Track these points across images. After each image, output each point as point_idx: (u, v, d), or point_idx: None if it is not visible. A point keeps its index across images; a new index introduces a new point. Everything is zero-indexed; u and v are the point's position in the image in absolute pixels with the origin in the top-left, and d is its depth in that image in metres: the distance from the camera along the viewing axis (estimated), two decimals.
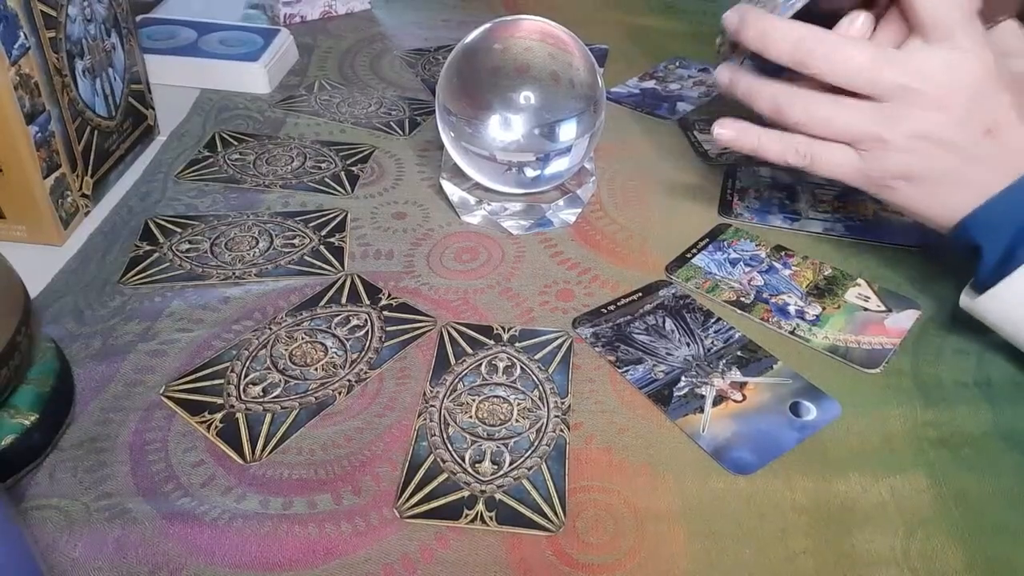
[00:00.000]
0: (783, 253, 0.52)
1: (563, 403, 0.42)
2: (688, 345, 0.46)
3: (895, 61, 0.41)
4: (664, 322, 0.47)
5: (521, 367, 0.44)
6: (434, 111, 0.54)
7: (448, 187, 0.56)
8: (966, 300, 0.44)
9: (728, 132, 0.48)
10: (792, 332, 0.46)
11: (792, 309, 0.48)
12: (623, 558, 0.35)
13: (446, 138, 0.53)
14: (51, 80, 0.49)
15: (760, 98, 0.45)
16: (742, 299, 0.49)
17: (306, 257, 0.51)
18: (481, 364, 0.44)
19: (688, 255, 0.52)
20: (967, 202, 0.42)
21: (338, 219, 0.55)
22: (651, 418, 0.42)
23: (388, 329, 0.46)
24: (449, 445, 0.40)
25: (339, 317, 0.47)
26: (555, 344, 0.45)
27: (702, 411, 0.42)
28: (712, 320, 0.47)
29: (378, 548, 0.35)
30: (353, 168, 0.60)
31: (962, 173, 0.42)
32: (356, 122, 0.66)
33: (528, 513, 0.37)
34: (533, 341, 0.46)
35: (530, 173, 0.52)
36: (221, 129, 0.64)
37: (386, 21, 0.85)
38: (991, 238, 0.42)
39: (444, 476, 0.38)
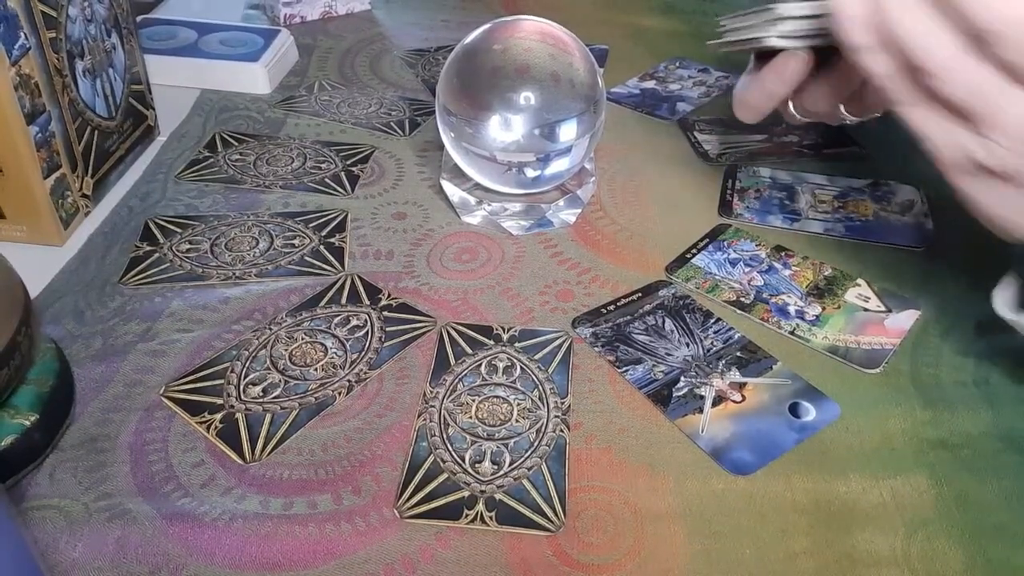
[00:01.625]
0: (783, 253, 0.52)
1: (563, 403, 0.42)
2: (688, 345, 0.46)
3: None
4: (664, 322, 0.47)
5: (521, 367, 0.44)
6: (434, 111, 0.54)
7: (448, 187, 0.56)
8: (1011, 314, 0.40)
9: (855, 6, 0.36)
10: (792, 332, 0.46)
11: (792, 309, 0.48)
12: (623, 558, 0.35)
13: (446, 138, 0.53)
14: (51, 80, 0.49)
15: (901, 16, 0.35)
16: (742, 299, 0.49)
17: (306, 257, 0.51)
18: (481, 364, 0.44)
19: (688, 255, 0.52)
20: None
21: (338, 219, 0.55)
22: (651, 418, 0.42)
23: (388, 329, 0.46)
24: (449, 445, 0.40)
25: (339, 317, 0.47)
26: (555, 344, 0.45)
27: (701, 411, 0.42)
28: (712, 320, 0.47)
29: (378, 548, 0.35)
30: (353, 168, 0.60)
31: None
32: (356, 122, 0.66)
33: (528, 513, 0.37)
34: (533, 341, 0.46)
35: (530, 173, 0.52)
36: (221, 129, 0.65)
37: (386, 21, 0.85)
38: None
39: (444, 476, 0.38)
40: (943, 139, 0.36)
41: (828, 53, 0.43)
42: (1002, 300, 0.42)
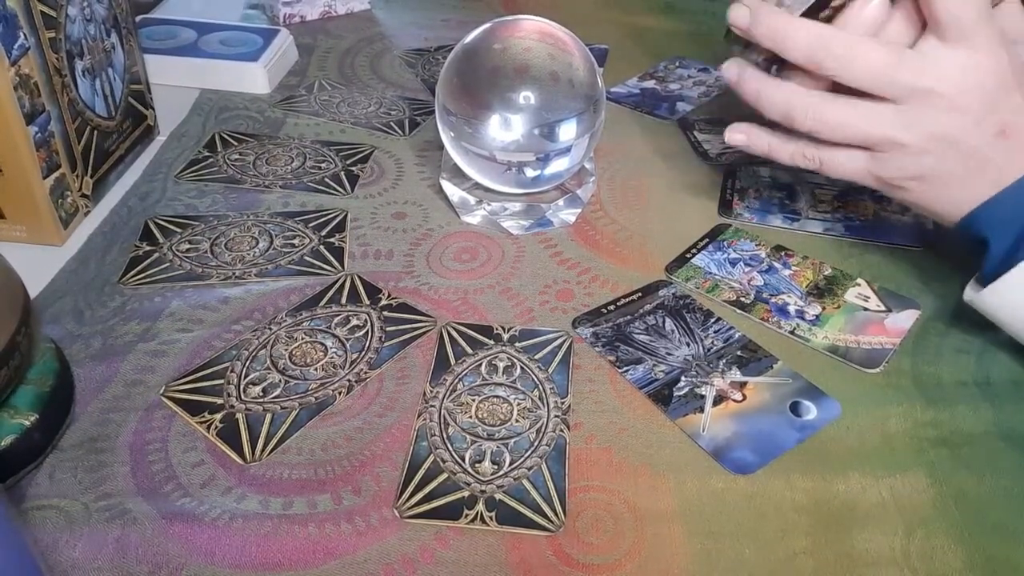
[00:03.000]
0: (783, 253, 0.52)
1: (563, 403, 0.42)
2: (688, 345, 0.46)
3: (912, 63, 0.41)
4: (664, 322, 0.47)
5: (521, 367, 0.44)
6: (434, 111, 0.54)
7: (448, 187, 0.56)
8: (970, 294, 0.44)
9: (740, 136, 0.48)
10: (792, 332, 0.46)
11: (792, 309, 0.48)
12: (623, 558, 0.35)
13: (446, 138, 0.53)
14: (51, 80, 0.49)
15: (769, 104, 0.45)
16: (742, 299, 0.49)
17: (306, 257, 0.51)
18: (481, 364, 0.44)
19: (688, 255, 0.52)
20: (976, 198, 0.42)
21: (338, 219, 0.55)
22: (651, 418, 0.42)
23: (388, 329, 0.46)
24: (449, 445, 0.40)
25: (339, 317, 0.47)
26: (555, 344, 0.45)
27: (702, 411, 0.42)
28: (712, 320, 0.47)
29: (378, 548, 0.35)
30: (353, 168, 0.60)
31: (973, 172, 0.42)
32: (356, 122, 0.66)
33: (528, 513, 0.37)
34: (533, 341, 0.46)
35: (530, 173, 0.52)
36: (221, 129, 0.64)
37: (386, 21, 0.85)
38: (999, 231, 0.42)
39: (444, 476, 0.38)
40: (857, 172, 0.44)
41: None
42: (969, 286, 0.45)
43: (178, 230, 0.53)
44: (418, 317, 0.47)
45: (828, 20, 0.43)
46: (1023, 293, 0.41)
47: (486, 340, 0.46)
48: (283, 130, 0.65)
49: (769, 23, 0.43)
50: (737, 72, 0.46)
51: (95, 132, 0.55)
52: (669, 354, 0.45)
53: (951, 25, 0.40)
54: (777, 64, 0.45)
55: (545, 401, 0.42)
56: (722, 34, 0.48)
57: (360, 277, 0.50)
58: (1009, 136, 0.41)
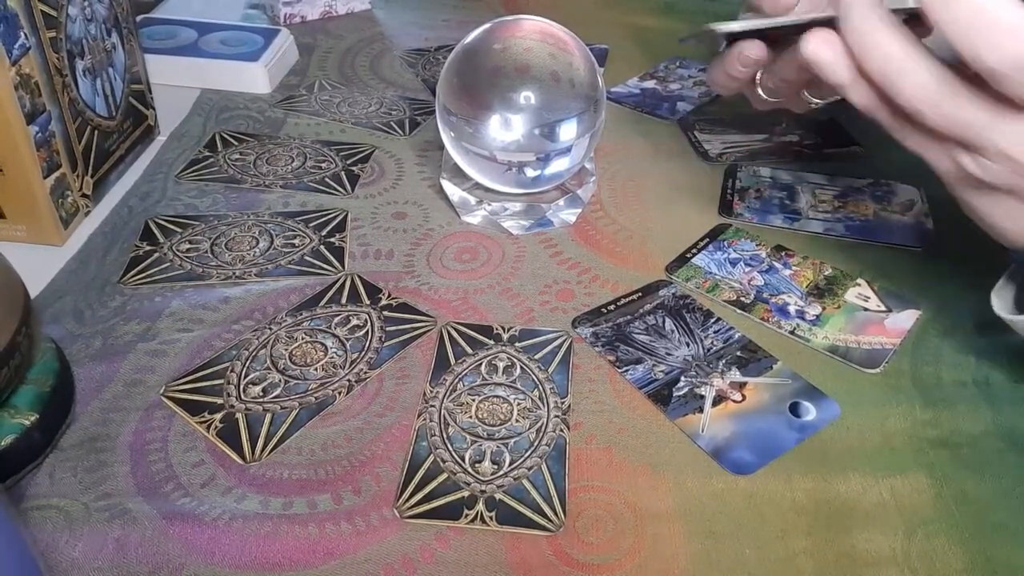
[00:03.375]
0: (783, 253, 0.52)
1: (563, 403, 0.42)
2: (688, 345, 0.46)
3: None
4: (664, 322, 0.47)
5: (521, 367, 0.44)
6: (434, 111, 0.54)
7: (448, 187, 0.56)
8: (1008, 314, 0.40)
9: (828, 52, 0.37)
10: (792, 332, 0.46)
11: (792, 309, 0.48)
12: (623, 558, 0.35)
13: (446, 138, 0.53)
14: (51, 80, 0.49)
15: (875, 54, 0.35)
16: (742, 299, 0.49)
17: (306, 257, 0.51)
18: (481, 364, 0.44)
19: (688, 255, 0.52)
20: None
21: (338, 219, 0.55)
22: (651, 418, 0.42)
23: (388, 329, 0.46)
24: (449, 445, 0.40)
25: (339, 317, 0.47)
26: (555, 344, 0.45)
27: (702, 411, 0.42)
28: (712, 320, 0.47)
29: (378, 548, 0.35)
30: (353, 168, 0.60)
31: None
32: (356, 122, 0.66)
33: (528, 513, 0.37)
34: (533, 341, 0.46)
35: (530, 173, 0.52)
36: (221, 129, 0.64)
37: (386, 21, 0.85)
38: None
39: (444, 476, 0.38)
40: (938, 158, 0.37)
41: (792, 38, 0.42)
42: (1000, 301, 0.42)
43: (178, 230, 0.53)
44: (418, 317, 0.47)
45: None
46: None
47: (486, 340, 0.46)
48: (283, 130, 0.65)
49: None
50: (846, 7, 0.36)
51: (95, 132, 0.55)
52: (669, 354, 0.45)
53: None
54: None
55: (545, 401, 0.42)
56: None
57: (360, 277, 0.50)
58: None
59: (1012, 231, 0.38)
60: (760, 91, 0.49)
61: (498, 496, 0.37)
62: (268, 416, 0.41)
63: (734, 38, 0.45)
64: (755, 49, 0.45)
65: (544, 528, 0.36)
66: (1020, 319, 0.41)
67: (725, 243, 0.53)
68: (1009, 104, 0.33)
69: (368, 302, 0.48)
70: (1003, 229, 0.39)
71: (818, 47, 0.37)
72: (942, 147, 0.37)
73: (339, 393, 0.42)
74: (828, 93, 0.48)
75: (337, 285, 0.49)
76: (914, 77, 0.34)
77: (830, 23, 0.37)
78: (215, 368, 0.43)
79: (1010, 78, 0.32)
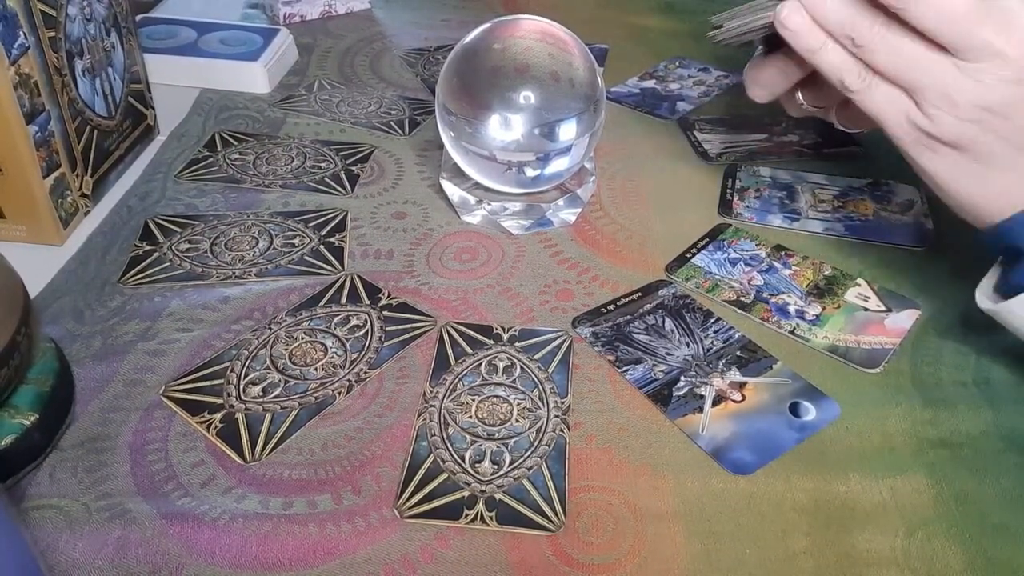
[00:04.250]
0: (783, 253, 0.52)
1: (563, 403, 0.42)
2: (688, 345, 0.46)
3: (993, 18, 0.36)
4: (664, 322, 0.47)
5: (521, 367, 0.44)
6: (434, 111, 0.54)
7: (448, 187, 0.56)
8: (988, 303, 0.41)
9: (797, 19, 0.41)
10: (792, 332, 0.46)
11: (792, 309, 0.48)
12: (623, 558, 0.35)
13: (446, 138, 0.53)
14: (51, 80, 0.49)
15: (835, 10, 0.39)
16: (742, 299, 0.49)
17: (306, 257, 0.51)
18: (481, 364, 0.44)
19: (688, 255, 0.52)
20: (1010, 193, 0.39)
21: (338, 219, 0.55)
22: (651, 418, 0.42)
23: (388, 329, 0.46)
24: (449, 445, 0.40)
25: (339, 317, 0.47)
26: (555, 344, 0.45)
27: (701, 411, 0.42)
28: (712, 320, 0.47)
29: (378, 548, 0.35)
30: (353, 168, 0.60)
31: (1017, 160, 0.38)
32: (356, 122, 0.66)
33: (528, 513, 0.37)
34: (533, 341, 0.46)
35: (530, 173, 0.52)
36: (221, 129, 0.64)
37: (386, 21, 0.85)
38: None
39: (444, 476, 0.38)
40: (893, 115, 0.40)
41: None
42: (982, 292, 0.42)
43: (178, 230, 0.53)
44: (418, 317, 0.47)
45: None
46: None
47: (486, 340, 0.46)
48: (283, 130, 0.65)
49: None
50: None
51: (95, 132, 0.55)
52: (669, 354, 0.45)
53: None
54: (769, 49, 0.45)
55: (545, 401, 0.42)
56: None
57: (360, 277, 0.50)
58: None
59: (970, 195, 0.40)
60: (801, 96, 0.49)
61: (498, 496, 0.37)
62: (268, 416, 0.41)
63: (770, 47, 0.45)
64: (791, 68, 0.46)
65: (544, 528, 0.36)
66: (999, 307, 0.41)
67: (725, 243, 0.53)
68: (941, 48, 0.37)
69: (368, 302, 0.48)
70: (958, 193, 0.41)
71: (789, 15, 0.41)
72: (896, 105, 0.40)
73: (339, 393, 0.42)
74: (856, 121, 0.48)
75: (337, 285, 0.49)
76: (863, 19, 0.39)
77: None
78: (215, 368, 0.43)
79: (937, 30, 0.37)
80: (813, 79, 0.46)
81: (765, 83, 0.47)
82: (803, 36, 0.41)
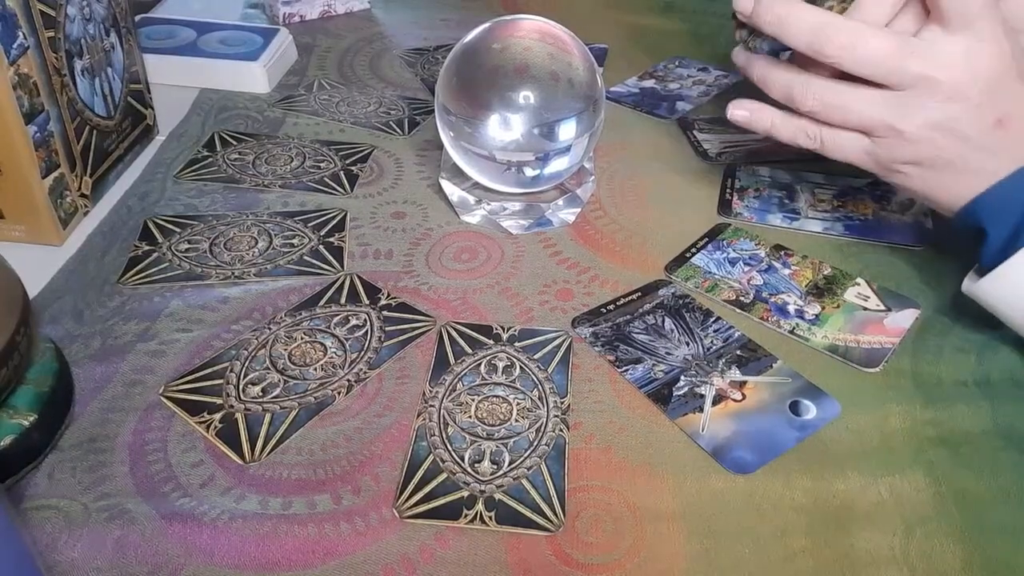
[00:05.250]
0: (782, 252, 0.52)
1: (562, 403, 0.42)
2: (687, 344, 0.46)
3: (917, 52, 0.41)
4: (663, 321, 0.47)
5: (520, 367, 0.44)
6: (433, 111, 0.54)
7: (447, 187, 0.56)
8: (968, 284, 0.44)
9: (742, 112, 0.48)
10: (791, 331, 0.46)
11: (791, 308, 0.48)
12: (623, 558, 0.35)
13: (445, 138, 0.53)
14: (50, 80, 0.49)
15: (773, 84, 0.46)
16: (741, 298, 0.49)
17: (305, 257, 0.51)
18: (480, 364, 0.44)
19: (687, 254, 0.52)
20: (973, 187, 0.42)
21: (337, 219, 0.55)
22: (650, 418, 0.42)
23: (387, 329, 0.46)
24: (448, 445, 0.40)
25: (338, 317, 0.47)
26: (554, 344, 0.45)
27: (701, 410, 0.42)
28: (711, 319, 0.47)
29: (377, 548, 0.35)
30: (352, 168, 0.60)
31: (970, 161, 0.42)
32: (355, 122, 0.66)
33: (528, 513, 0.37)
34: (532, 341, 0.46)
35: (529, 173, 0.52)
36: (220, 129, 0.64)
37: (386, 21, 0.85)
38: (997, 221, 0.42)
39: (443, 476, 0.38)
40: (856, 154, 0.45)
41: None
42: (968, 278, 0.45)
43: (177, 230, 0.53)
44: (417, 317, 0.47)
45: (842, 11, 0.43)
46: (1020, 281, 0.42)
47: (485, 340, 0.46)
48: (282, 130, 0.65)
49: (773, 9, 0.43)
50: (745, 57, 0.48)
51: (94, 132, 0.55)
52: (668, 354, 0.45)
53: (955, 14, 0.40)
54: (787, 50, 0.46)
55: (544, 401, 0.42)
56: (722, 33, 0.48)
57: (359, 277, 0.50)
58: (1007, 126, 0.41)
59: (941, 200, 0.44)
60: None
61: (497, 496, 0.37)
62: (267, 416, 0.41)
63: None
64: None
65: (544, 528, 0.36)
66: (975, 287, 0.44)
67: (724, 242, 0.53)
68: (877, 86, 0.42)
69: (367, 302, 0.48)
70: (934, 200, 0.45)
71: (734, 112, 0.48)
72: (855, 145, 0.45)
73: (338, 393, 0.42)
74: None
75: (336, 285, 0.49)
76: (807, 86, 0.44)
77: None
78: (214, 368, 0.43)
79: (873, 73, 0.42)
80: None
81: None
82: (752, 124, 0.48)
